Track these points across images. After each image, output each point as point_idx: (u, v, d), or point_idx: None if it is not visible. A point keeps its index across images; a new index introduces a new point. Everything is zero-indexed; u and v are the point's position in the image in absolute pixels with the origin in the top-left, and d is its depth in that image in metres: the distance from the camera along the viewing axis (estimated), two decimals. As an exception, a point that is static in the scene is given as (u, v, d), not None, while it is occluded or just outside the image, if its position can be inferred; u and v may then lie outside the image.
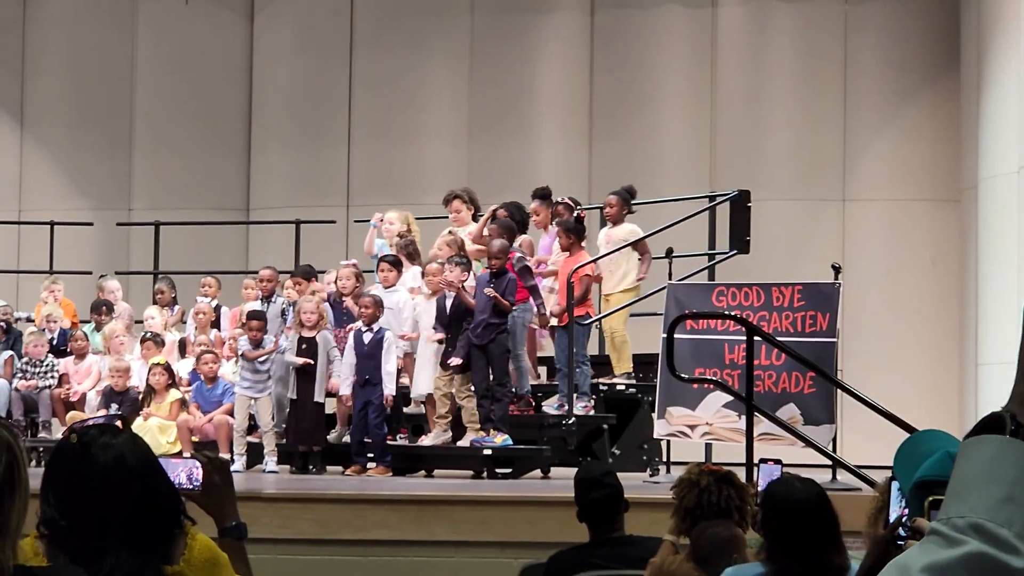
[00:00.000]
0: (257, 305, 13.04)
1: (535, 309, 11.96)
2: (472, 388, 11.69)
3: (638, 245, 12.22)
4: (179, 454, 11.33)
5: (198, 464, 3.43)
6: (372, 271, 13.03)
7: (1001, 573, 1.74)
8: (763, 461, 6.03)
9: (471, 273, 12.12)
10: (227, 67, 18.05)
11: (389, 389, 11.87)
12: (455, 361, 11.68)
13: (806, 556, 4.77)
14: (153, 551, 2.94)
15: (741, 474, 6.71)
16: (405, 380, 12.40)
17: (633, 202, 12.62)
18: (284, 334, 12.41)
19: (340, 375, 12.08)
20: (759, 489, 5.32)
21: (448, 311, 11.86)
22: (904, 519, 3.11)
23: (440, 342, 11.95)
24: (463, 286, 11.81)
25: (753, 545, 5.23)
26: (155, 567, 2.94)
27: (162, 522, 2.99)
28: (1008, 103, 14.19)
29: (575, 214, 12.57)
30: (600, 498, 6.31)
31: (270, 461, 12.11)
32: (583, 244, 12.24)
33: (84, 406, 13.02)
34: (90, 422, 3.08)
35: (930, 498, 2.49)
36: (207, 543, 3.14)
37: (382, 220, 13.31)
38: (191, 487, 3.39)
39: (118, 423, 3.11)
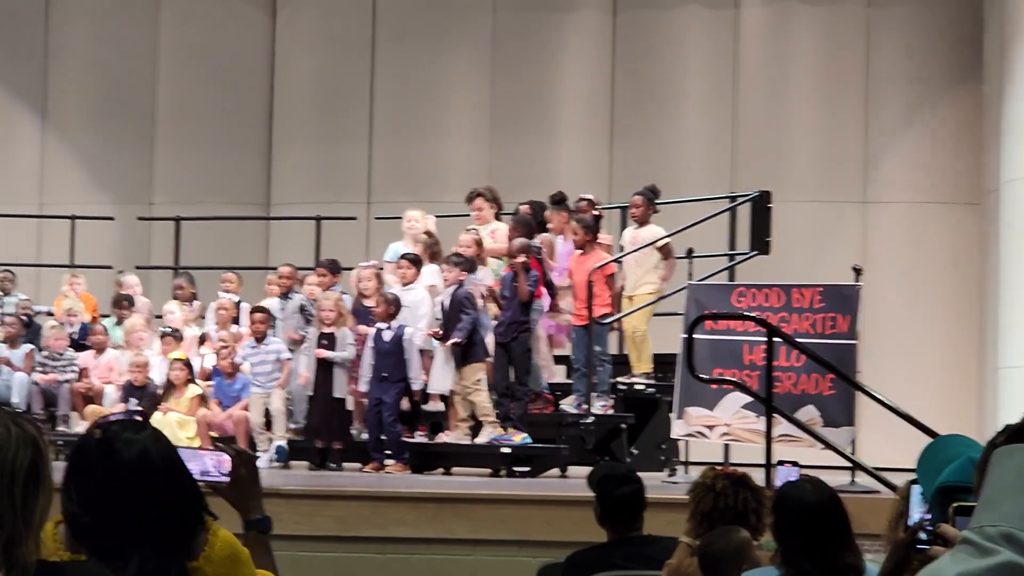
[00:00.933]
0: (274, 302, 13.07)
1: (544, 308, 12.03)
2: (479, 381, 11.66)
3: (662, 248, 12.17)
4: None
5: (226, 456, 3.44)
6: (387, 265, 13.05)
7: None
8: (780, 463, 6.02)
9: (493, 272, 12.13)
10: (249, 62, 18.07)
11: (417, 385, 11.89)
12: (448, 342, 11.66)
13: (819, 559, 4.75)
14: (176, 547, 2.95)
15: (760, 476, 6.70)
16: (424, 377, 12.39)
17: (656, 202, 12.61)
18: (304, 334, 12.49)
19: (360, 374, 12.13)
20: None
21: (448, 308, 11.81)
22: (926, 523, 3.11)
23: (436, 336, 11.93)
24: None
25: (769, 549, 5.21)
26: (179, 563, 2.95)
27: (184, 517, 2.99)
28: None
29: (595, 212, 12.57)
30: (627, 494, 6.26)
31: (278, 443, 12.17)
32: (598, 243, 12.21)
33: (103, 400, 13.05)
34: (112, 418, 3.08)
35: (954, 504, 2.48)
36: (229, 539, 3.13)
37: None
38: (219, 477, 3.39)
39: (140, 417, 3.12)
